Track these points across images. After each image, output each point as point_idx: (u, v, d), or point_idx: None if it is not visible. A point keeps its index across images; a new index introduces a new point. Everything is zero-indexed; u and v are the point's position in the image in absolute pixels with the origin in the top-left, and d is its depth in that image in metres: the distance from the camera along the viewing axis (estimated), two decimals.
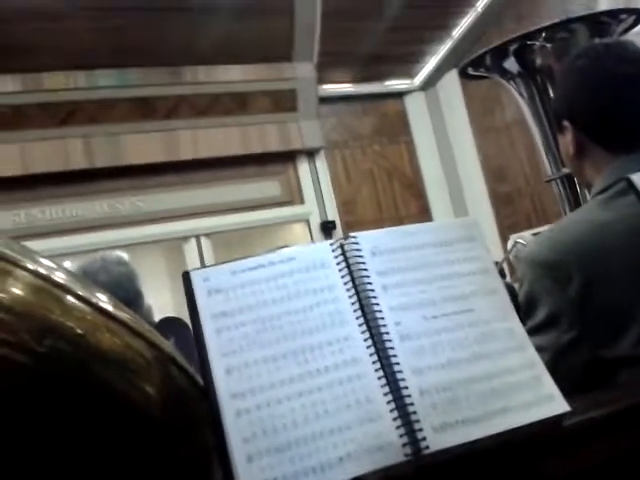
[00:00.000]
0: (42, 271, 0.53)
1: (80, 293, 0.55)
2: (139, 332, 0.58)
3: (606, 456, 0.67)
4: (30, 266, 0.53)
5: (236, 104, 5.84)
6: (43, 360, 0.49)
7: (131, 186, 5.60)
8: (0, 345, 0.47)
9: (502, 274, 4.70)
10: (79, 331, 0.53)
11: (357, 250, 0.71)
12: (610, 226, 0.98)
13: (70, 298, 0.54)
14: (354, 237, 0.72)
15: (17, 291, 0.50)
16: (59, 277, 0.55)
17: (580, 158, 1.14)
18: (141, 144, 5.49)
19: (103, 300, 0.57)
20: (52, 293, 0.53)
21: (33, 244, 4.62)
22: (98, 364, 0.53)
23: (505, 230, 6.49)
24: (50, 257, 0.59)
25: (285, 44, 5.66)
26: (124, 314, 0.58)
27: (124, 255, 1.84)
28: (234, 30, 5.21)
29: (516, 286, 1.21)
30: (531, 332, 0.93)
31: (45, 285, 0.53)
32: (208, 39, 5.23)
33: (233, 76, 5.73)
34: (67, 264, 1.89)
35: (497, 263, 3.31)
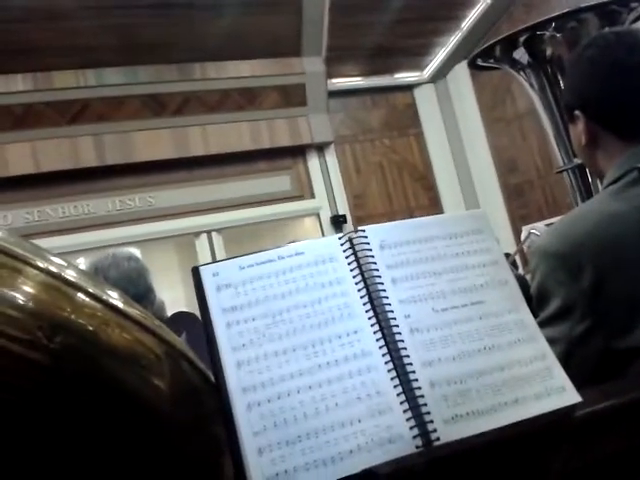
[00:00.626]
0: (53, 269, 0.54)
1: (91, 290, 0.55)
2: (149, 328, 0.59)
3: (618, 447, 0.67)
4: (41, 264, 0.53)
5: (245, 99, 5.85)
6: (55, 357, 0.50)
7: (142, 183, 5.63)
8: (13, 343, 0.47)
9: (514, 265, 4.68)
10: (90, 328, 0.53)
11: (366, 243, 0.71)
12: (622, 216, 0.97)
13: (81, 295, 0.54)
14: (363, 230, 0.72)
15: (28, 289, 0.51)
16: (70, 275, 0.55)
17: (592, 148, 1.13)
18: (151, 141, 5.51)
19: (113, 297, 0.58)
20: (63, 291, 0.53)
21: (46, 241, 4.67)
22: (109, 360, 0.54)
23: (517, 221, 6.46)
24: (62, 254, 0.59)
25: (293, 39, 5.65)
26: (134, 310, 0.59)
27: (135, 251, 1.86)
28: (243, 26, 5.21)
29: (528, 277, 1.20)
30: (543, 324, 0.93)
31: (56, 283, 0.53)
32: (217, 35, 5.24)
33: (242, 72, 5.74)
34: (80, 261, 1.91)
35: (508, 255, 3.29)
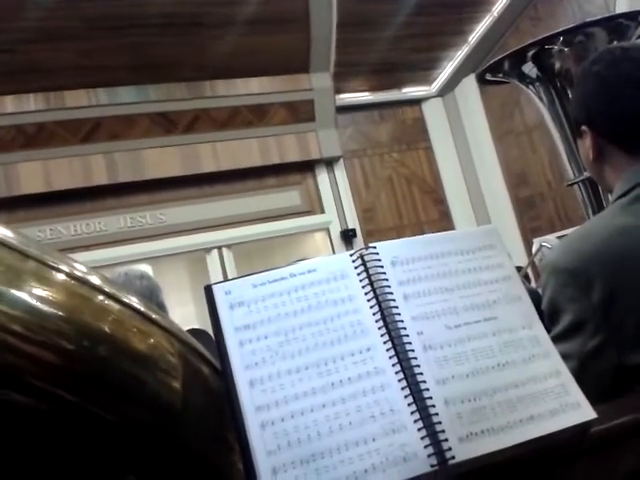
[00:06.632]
0: (78, 274, 0.55)
1: (111, 292, 0.56)
2: (170, 330, 0.59)
3: (634, 464, 0.66)
4: (66, 269, 0.54)
5: (255, 116, 5.88)
6: (77, 360, 0.50)
7: (153, 200, 5.66)
8: (33, 345, 0.48)
9: (527, 278, 4.64)
10: (109, 330, 0.53)
11: (377, 260, 0.71)
12: (631, 230, 0.97)
13: (101, 298, 0.55)
14: (374, 247, 0.72)
15: (52, 294, 0.51)
16: (94, 280, 0.56)
17: (600, 162, 1.13)
18: (162, 158, 5.55)
19: (134, 301, 0.58)
20: (86, 296, 0.54)
21: None
22: (129, 363, 0.54)
23: (528, 234, 6.43)
24: None
25: (302, 55, 5.69)
26: (155, 314, 0.59)
27: (147, 270, 1.87)
28: (251, 43, 5.25)
29: (540, 291, 1.20)
30: (556, 339, 0.92)
31: (81, 287, 0.54)
32: (226, 53, 5.28)
33: (251, 89, 5.77)
34: None
35: (520, 268, 3.27)
